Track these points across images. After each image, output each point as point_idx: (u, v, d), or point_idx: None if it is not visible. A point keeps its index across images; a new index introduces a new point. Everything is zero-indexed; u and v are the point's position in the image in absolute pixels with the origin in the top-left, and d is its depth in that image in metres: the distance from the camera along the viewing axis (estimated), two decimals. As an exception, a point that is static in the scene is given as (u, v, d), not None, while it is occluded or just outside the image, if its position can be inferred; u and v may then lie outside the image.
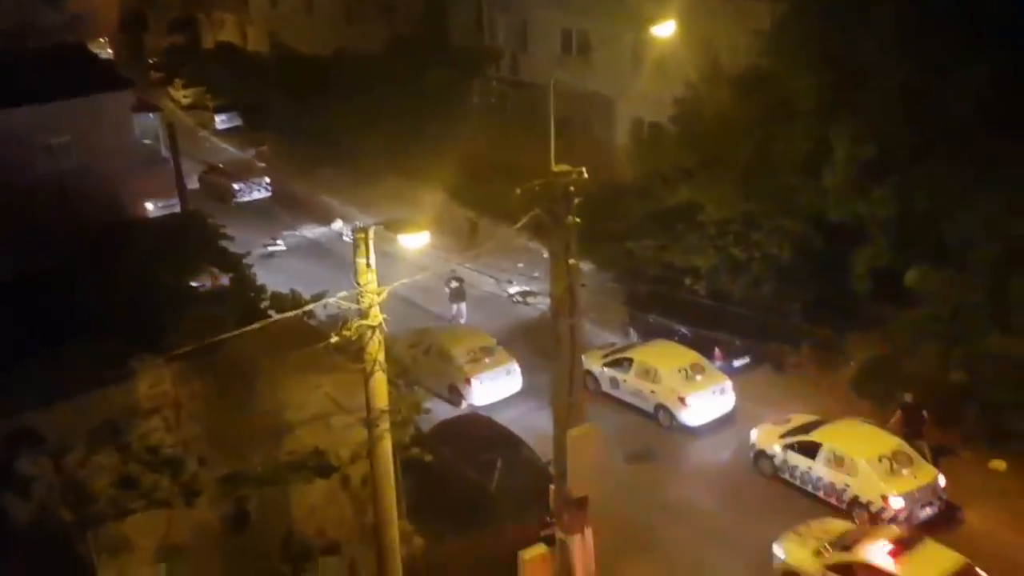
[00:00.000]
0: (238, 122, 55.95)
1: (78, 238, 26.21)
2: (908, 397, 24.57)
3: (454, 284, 32.80)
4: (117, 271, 24.20)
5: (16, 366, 20.17)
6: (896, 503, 22.49)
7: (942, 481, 23.21)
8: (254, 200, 45.23)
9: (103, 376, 19.64)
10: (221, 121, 56.06)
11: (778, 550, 21.66)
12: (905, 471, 23.04)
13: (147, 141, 40.02)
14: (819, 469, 23.76)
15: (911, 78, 26.55)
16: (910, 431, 24.26)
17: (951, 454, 24.73)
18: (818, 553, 20.91)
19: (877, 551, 20.16)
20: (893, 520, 22.54)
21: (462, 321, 32.79)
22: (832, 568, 20.58)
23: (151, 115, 41.57)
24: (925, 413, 24.49)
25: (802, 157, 28.39)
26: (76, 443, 18.17)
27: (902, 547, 20.33)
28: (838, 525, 22.19)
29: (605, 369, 28.55)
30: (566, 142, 27.41)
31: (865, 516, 22.89)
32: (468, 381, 28.21)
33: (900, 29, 26.81)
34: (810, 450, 24.10)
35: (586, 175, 19.20)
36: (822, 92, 27.91)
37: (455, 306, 33.01)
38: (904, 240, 27.34)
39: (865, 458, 23.11)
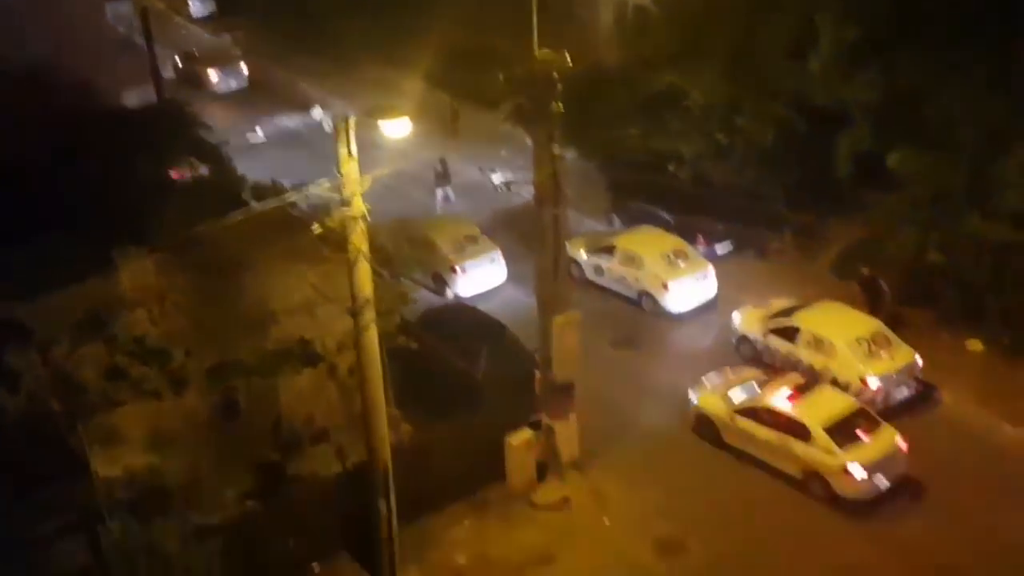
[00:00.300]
0: (213, 8, 54.59)
1: (52, 129, 25.74)
2: (865, 271, 24.77)
3: (439, 168, 32.70)
4: (94, 162, 23.88)
5: (-1, 255, 20.15)
6: (873, 384, 22.90)
7: (919, 362, 23.59)
8: (232, 89, 44.45)
9: (86, 269, 19.62)
10: (196, 7, 54.68)
11: (692, 395, 23.25)
12: (883, 353, 23.40)
13: (120, 29, 39.14)
14: (799, 352, 24.11)
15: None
16: (870, 305, 24.53)
17: (928, 335, 25.09)
18: (726, 398, 22.48)
19: (778, 395, 21.80)
20: (871, 401, 22.99)
21: (451, 200, 32.77)
22: (739, 411, 22.13)
23: (124, 1, 40.55)
24: (884, 285, 24.69)
25: (787, 41, 28.01)
26: (62, 336, 18.23)
27: (800, 392, 21.96)
28: (750, 373, 23.67)
29: (589, 256, 28.66)
30: (549, 27, 26.86)
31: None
32: (453, 270, 28.30)
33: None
34: (790, 334, 24.41)
35: (570, 61, 18.95)
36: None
37: (440, 190, 32.96)
38: (887, 124, 27.22)
39: (843, 341, 23.45)
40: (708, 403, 22.90)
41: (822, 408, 21.53)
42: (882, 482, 20.86)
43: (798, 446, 21.15)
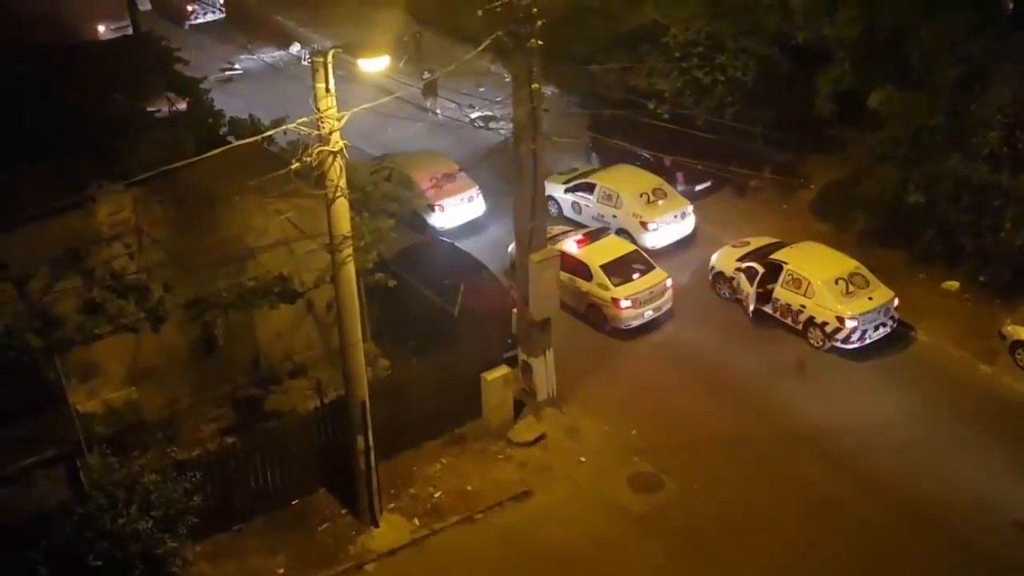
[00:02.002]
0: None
1: (26, 61, 25.34)
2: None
3: (426, 75, 32.66)
4: (69, 96, 23.56)
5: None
6: (850, 324, 23.11)
7: (896, 302, 23.79)
8: (208, 22, 43.77)
9: (62, 202, 19.46)
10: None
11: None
12: (861, 292, 23.58)
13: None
14: (776, 291, 24.25)
15: None
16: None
17: (905, 275, 25.26)
18: None
19: (569, 243, 24.91)
20: (847, 340, 23.21)
21: (438, 113, 33.02)
22: None
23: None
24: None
25: (769, -24, 27.81)
26: (38, 270, 18.13)
27: (587, 239, 25.41)
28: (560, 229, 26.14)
29: (567, 194, 28.63)
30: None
31: (819, 335, 23.57)
32: (431, 207, 28.22)
33: None
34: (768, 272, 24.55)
35: (549, -5, 18.77)
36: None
37: (429, 99, 33.34)
38: (868, 62, 27.12)
39: (821, 280, 23.60)
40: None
41: (603, 251, 24.86)
42: (648, 314, 24.39)
43: (583, 284, 24.06)
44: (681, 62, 28.26)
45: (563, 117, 29.73)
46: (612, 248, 25.29)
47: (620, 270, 24.60)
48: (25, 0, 31.51)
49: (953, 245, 25.00)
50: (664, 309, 24.87)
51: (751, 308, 24.41)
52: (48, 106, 22.98)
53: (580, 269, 24.51)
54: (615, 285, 24.36)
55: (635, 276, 24.61)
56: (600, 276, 24.50)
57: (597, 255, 24.88)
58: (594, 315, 24.73)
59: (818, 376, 23.16)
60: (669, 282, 24.88)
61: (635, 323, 24.50)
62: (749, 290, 24.39)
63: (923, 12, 25.57)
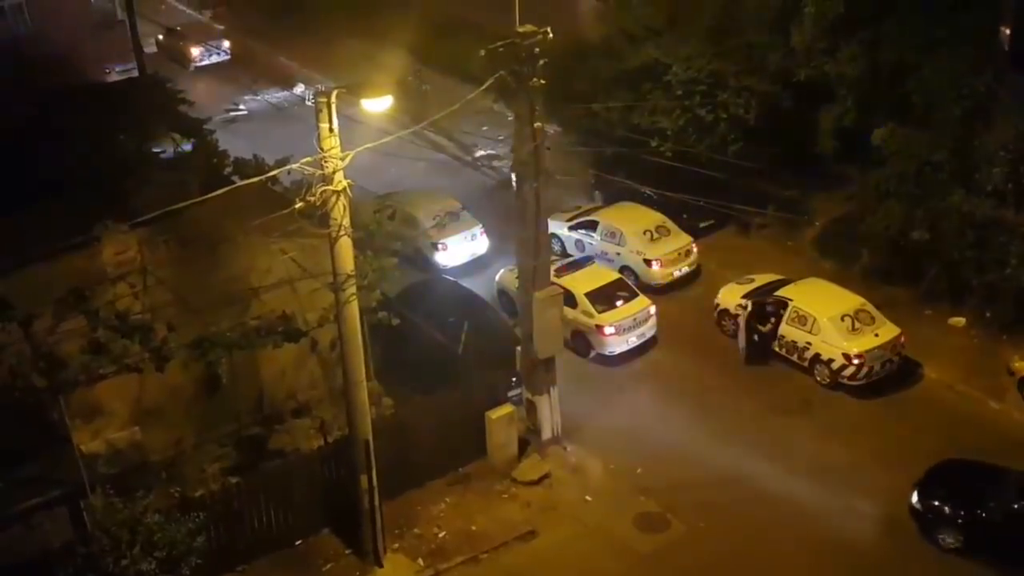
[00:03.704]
0: (195, -17, 54.05)
1: (35, 103, 25.57)
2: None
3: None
4: (76, 137, 23.74)
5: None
6: (856, 361, 23.00)
7: (903, 339, 23.68)
8: (213, 64, 44.14)
9: (67, 243, 19.53)
10: (177, -18, 54.14)
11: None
12: (867, 329, 23.50)
13: (102, 4, 38.79)
14: (782, 328, 24.19)
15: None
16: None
17: (911, 312, 25.18)
18: None
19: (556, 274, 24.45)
20: (853, 378, 23.11)
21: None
22: None
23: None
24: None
25: (770, 15, 27.98)
26: (44, 310, 18.15)
27: (568, 268, 25.81)
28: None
29: (570, 232, 28.67)
30: (532, 2, 26.76)
31: (825, 372, 23.48)
32: (434, 245, 28.27)
33: None
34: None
35: (551, 36, 18.90)
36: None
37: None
38: (871, 99, 27.25)
39: (827, 316, 23.54)
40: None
41: (587, 279, 25.28)
42: (632, 340, 24.60)
43: (568, 311, 23.38)
44: (683, 100, 28.39)
45: (565, 155, 29.85)
46: (596, 276, 25.66)
47: (604, 297, 24.98)
48: (34, 43, 31.85)
49: (959, 281, 24.95)
50: (648, 336, 25.21)
51: (742, 347, 24.37)
52: (55, 147, 23.16)
53: (565, 297, 24.43)
54: (599, 312, 24.65)
55: (619, 303, 24.97)
56: (584, 303, 24.80)
57: (582, 283, 25.19)
58: (579, 342, 24.88)
59: (824, 413, 23.04)
60: (653, 309, 25.29)
61: (619, 349, 24.77)
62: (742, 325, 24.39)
63: (924, 49, 25.71)
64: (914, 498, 19.87)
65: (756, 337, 24.25)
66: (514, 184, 20.74)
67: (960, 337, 24.94)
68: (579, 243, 28.50)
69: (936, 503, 19.63)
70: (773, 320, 24.21)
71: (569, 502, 20.93)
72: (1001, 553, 18.98)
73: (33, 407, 17.90)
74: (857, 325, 23.50)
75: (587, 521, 20.48)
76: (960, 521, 19.28)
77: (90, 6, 36.51)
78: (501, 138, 32.42)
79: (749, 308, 24.35)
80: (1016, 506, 19.06)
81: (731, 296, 25.54)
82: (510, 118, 22.20)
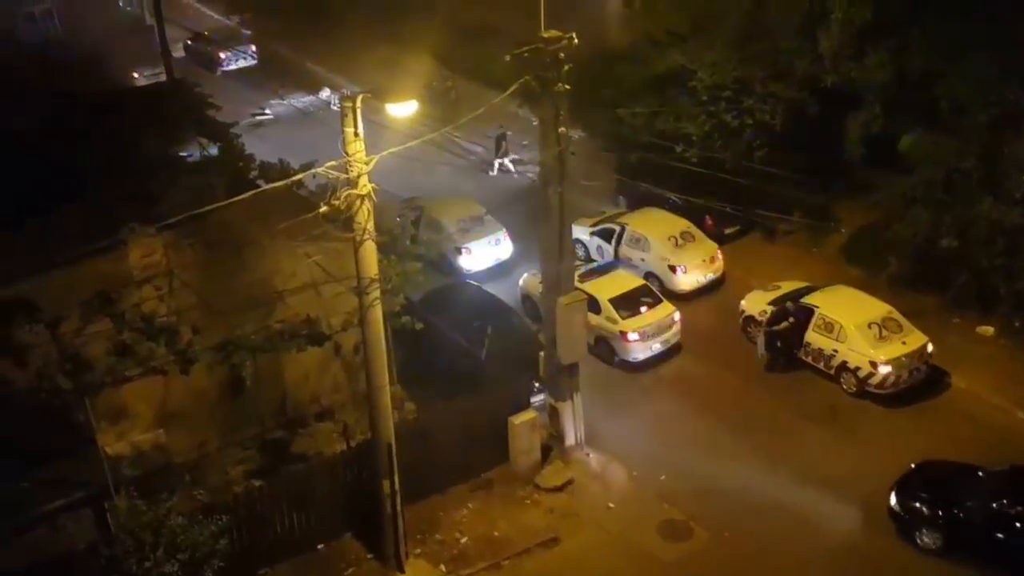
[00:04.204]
0: (223, -13, 54.41)
1: (64, 106, 25.78)
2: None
3: (499, 136, 33.06)
4: (104, 140, 23.91)
5: (4, 233, 20.13)
6: (884, 369, 22.81)
7: (930, 347, 23.46)
8: (240, 68, 44.39)
9: (95, 245, 19.65)
10: (205, -13, 54.51)
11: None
12: (894, 337, 23.29)
13: (130, 9, 39.09)
14: (808, 335, 24.01)
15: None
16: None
17: (939, 320, 24.94)
18: None
19: (582, 278, 24.40)
20: (880, 386, 22.91)
21: (510, 171, 33.48)
22: None
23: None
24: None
25: (797, 21, 27.81)
26: (71, 312, 18.27)
27: (593, 273, 25.68)
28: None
29: (595, 237, 28.60)
30: (557, 7, 26.75)
31: (852, 380, 23.28)
32: (458, 250, 28.27)
33: None
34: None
35: (576, 41, 18.86)
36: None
37: (497, 161, 33.66)
38: (898, 105, 27.04)
39: (854, 324, 23.34)
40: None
41: (611, 285, 25.02)
42: (656, 347, 24.52)
43: (592, 317, 23.08)
44: (709, 106, 28.30)
45: (590, 160, 29.80)
46: (621, 282, 25.53)
47: (628, 303, 24.84)
48: (64, 48, 32.15)
49: (987, 290, 24.71)
50: (672, 342, 25.05)
51: (761, 353, 24.21)
52: (82, 150, 23.32)
53: (589, 303, 24.38)
54: (623, 318, 24.52)
55: (643, 309, 24.84)
56: (608, 310, 24.69)
57: (606, 288, 25.06)
58: (603, 348, 24.74)
59: (850, 422, 22.84)
60: (677, 315, 25.11)
61: (643, 356, 24.66)
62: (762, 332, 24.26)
63: (952, 56, 25.49)
64: (892, 499, 19.81)
65: (779, 343, 24.07)
66: (538, 189, 20.68)
67: (988, 346, 24.69)
68: (602, 248, 28.42)
69: (915, 504, 19.54)
70: (790, 320, 23.97)
71: (592, 509, 20.84)
72: (980, 553, 18.87)
73: (59, 408, 18.02)
74: (884, 333, 23.30)
75: (610, 528, 20.38)
76: (939, 521, 19.19)
77: (119, 12, 36.77)
78: (525, 143, 32.44)
79: (768, 314, 24.21)
80: (995, 505, 18.91)
81: (756, 303, 25.39)
82: (535, 123, 22.14)
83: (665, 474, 21.53)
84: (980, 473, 19.79)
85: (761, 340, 24.23)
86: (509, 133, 33.26)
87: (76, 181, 21.80)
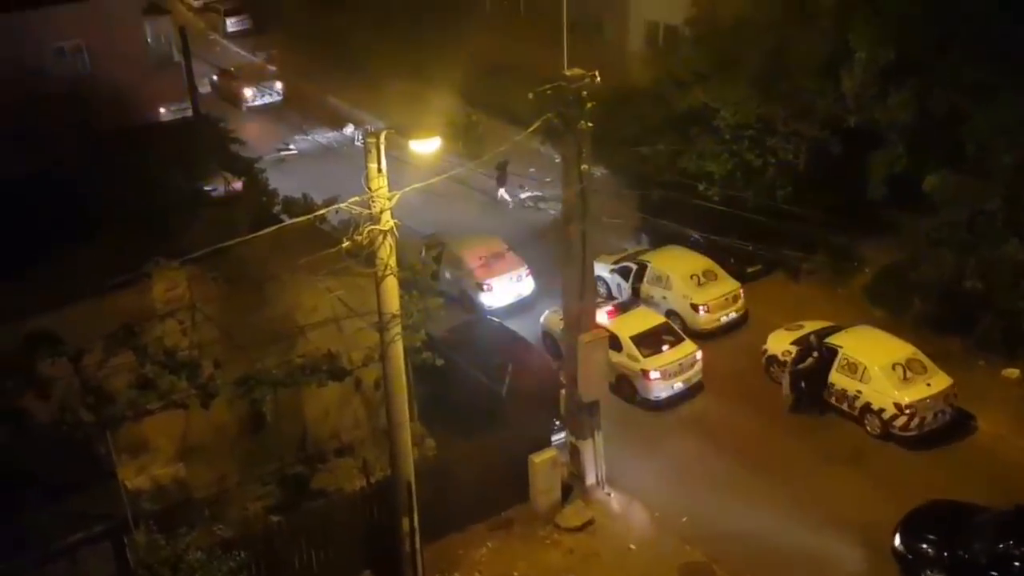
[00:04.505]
0: (249, 25, 55.20)
1: (91, 141, 26.07)
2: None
3: (499, 168, 33.35)
4: (130, 174, 24.14)
5: (30, 267, 20.27)
6: (908, 411, 22.56)
7: (955, 389, 23.20)
8: (266, 104, 44.87)
9: (118, 279, 19.75)
10: (232, 24, 55.32)
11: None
12: (918, 379, 23.07)
13: (158, 45, 39.47)
14: (831, 375, 23.82)
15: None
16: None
17: (964, 362, 24.70)
18: None
19: (600, 314, 23.68)
20: (905, 428, 22.67)
21: (507, 201, 34.11)
22: None
23: (162, 18, 40.93)
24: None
25: (820, 60, 27.84)
26: (94, 345, 18.35)
27: (617, 310, 25.68)
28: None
29: (616, 275, 28.55)
30: (580, 45, 26.95)
31: (876, 422, 23.05)
32: (480, 286, 28.29)
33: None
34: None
35: (599, 79, 18.94)
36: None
37: (500, 191, 34.02)
38: (922, 145, 26.96)
39: (878, 365, 23.14)
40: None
41: (633, 323, 24.93)
42: (677, 386, 24.36)
43: (613, 355, 23.26)
44: (731, 144, 28.32)
45: (612, 198, 29.81)
46: (642, 320, 25.41)
47: (650, 342, 24.73)
48: (92, 83, 32.50)
49: (1013, 332, 24.47)
50: (694, 381, 24.87)
51: (785, 394, 23.99)
52: (109, 185, 23.53)
53: (610, 340, 24.29)
54: (645, 357, 24.40)
55: (665, 348, 24.69)
56: (630, 347, 24.59)
57: (627, 326, 24.95)
58: (624, 386, 24.63)
59: (875, 465, 22.58)
60: (699, 354, 24.94)
61: (664, 395, 24.51)
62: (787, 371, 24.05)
63: (977, 96, 25.44)
64: (897, 540, 19.52)
65: (803, 383, 23.88)
66: (560, 226, 20.69)
67: (1014, 388, 24.41)
68: (619, 286, 28.36)
69: (920, 544, 19.24)
70: (814, 355, 23.74)
71: (613, 550, 20.62)
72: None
73: (80, 441, 18.05)
74: (909, 374, 23.08)
75: (631, 570, 20.15)
76: (944, 562, 18.86)
77: (147, 48, 37.17)
78: (548, 180, 32.53)
79: (792, 354, 24.04)
80: (1001, 546, 18.57)
81: (780, 343, 25.22)
82: (557, 160, 22.18)
83: (687, 515, 21.31)
84: (986, 513, 19.48)
85: (786, 381, 24.04)
86: (508, 164, 33.39)
87: (102, 215, 21.97)
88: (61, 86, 31.93)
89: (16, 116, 28.97)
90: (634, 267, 28.24)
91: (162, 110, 37.01)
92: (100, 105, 30.97)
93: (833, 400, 23.87)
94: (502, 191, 34.24)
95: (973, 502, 19.92)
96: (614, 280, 28.56)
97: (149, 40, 37.71)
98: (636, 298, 27.38)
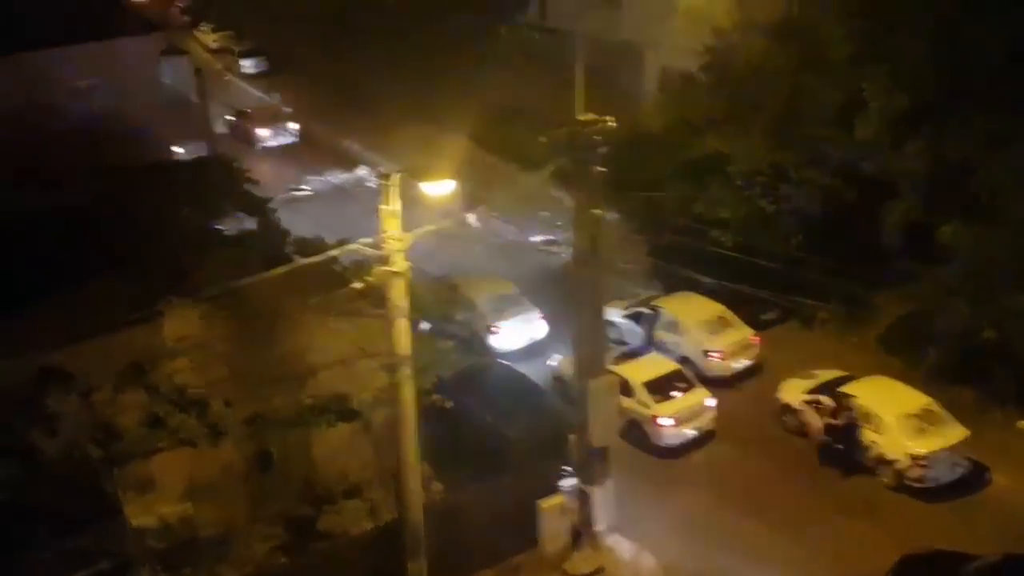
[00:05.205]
0: (264, 67, 55.68)
1: (105, 179, 26.22)
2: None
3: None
4: (144, 212, 24.23)
5: (43, 302, 20.29)
6: (923, 462, 22.31)
7: (970, 441, 22.94)
8: (280, 145, 45.12)
9: (130, 316, 19.76)
10: (247, 66, 55.78)
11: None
12: (933, 430, 22.82)
13: (174, 84, 39.86)
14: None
15: (944, 20, 25.98)
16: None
17: (979, 414, 24.45)
18: None
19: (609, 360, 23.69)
20: (920, 480, 22.40)
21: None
22: None
23: (180, 59, 41.37)
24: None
25: (834, 108, 27.91)
26: (104, 382, 18.31)
27: (627, 356, 25.65)
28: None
29: (627, 320, 28.44)
30: (593, 91, 27.03)
31: (890, 473, 22.78)
32: (490, 329, 28.19)
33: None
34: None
35: (613, 124, 18.98)
36: (855, 40, 27.36)
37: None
38: (937, 194, 26.90)
39: (892, 415, 22.92)
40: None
41: (644, 369, 24.84)
42: (689, 432, 24.10)
43: (624, 400, 23.14)
44: (744, 191, 28.31)
45: (624, 243, 29.83)
46: (654, 365, 25.30)
47: (662, 388, 24.59)
48: (108, 122, 32.79)
49: (1028, 383, 24.27)
50: (706, 429, 24.64)
51: (819, 441, 23.68)
52: (122, 223, 23.61)
53: (621, 386, 24.05)
54: (656, 403, 24.24)
55: (676, 394, 24.53)
56: (641, 393, 24.42)
57: (639, 372, 24.83)
58: (635, 433, 24.41)
59: (888, 517, 22.28)
60: (711, 401, 24.77)
61: (676, 442, 24.30)
62: (818, 424, 23.71)
63: (991, 146, 25.44)
64: None
65: (840, 444, 23.33)
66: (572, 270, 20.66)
67: (1030, 441, 24.18)
68: (631, 331, 28.24)
69: None
70: (849, 412, 23.35)
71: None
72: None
73: (88, 478, 17.95)
74: (923, 425, 22.85)
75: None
76: None
77: (163, 87, 37.56)
78: (560, 224, 32.55)
79: (822, 404, 23.56)
80: None
81: (793, 391, 25.03)
82: (569, 204, 22.19)
83: (696, 564, 21.02)
84: (975, 561, 19.08)
85: (814, 424, 23.61)
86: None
87: (115, 252, 22.02)
88: (77, 124, 32.22)
89: (32, 153, 29.20)
90: (647, 312, 28.12)
91: (177, 149, 37.27)
92: (115, 143, 31.21)
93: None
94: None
95: (960, 551, 19.54)
96: (626, 325, 28.44)
97: (166, 80, 38.13)
98: (648, 344, 27.23)
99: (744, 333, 27.36)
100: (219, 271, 20.08)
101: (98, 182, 25.97)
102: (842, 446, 23.40)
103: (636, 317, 28.28)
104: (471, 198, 26.60)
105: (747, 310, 28.14)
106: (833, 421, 23.49)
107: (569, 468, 22.02)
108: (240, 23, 57.67)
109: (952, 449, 22.65)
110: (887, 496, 22.77)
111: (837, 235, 28.05)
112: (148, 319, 19.84)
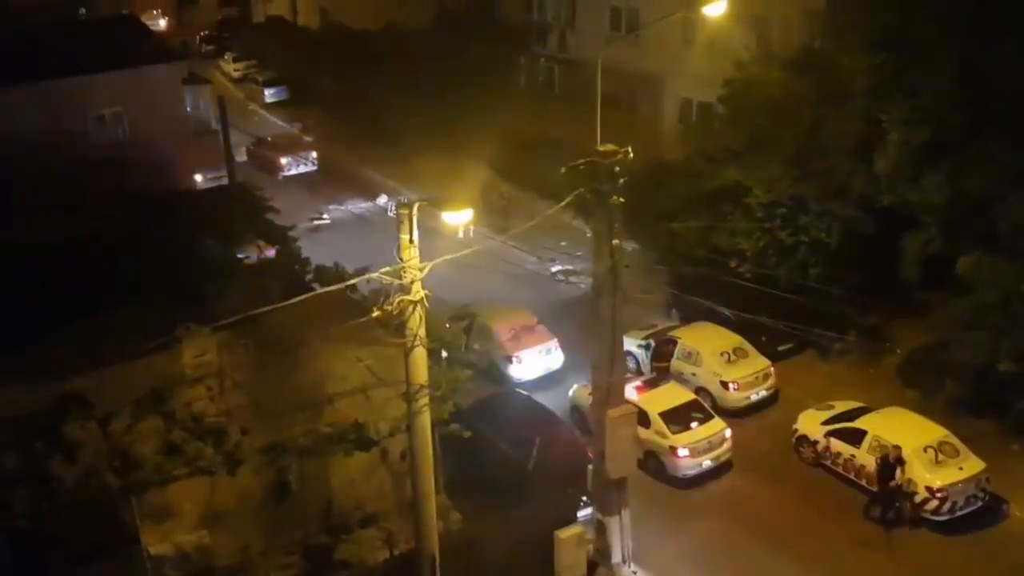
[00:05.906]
0: (286, 96, 56.22)
1: (127, 207, 26.46)
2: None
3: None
4: (165, 240, 24.43)
5: (63, 330, 20.43)
6: (940, 495, 22.16)
7: (988, 474, 22.78)
8: (301, 174, 45.45)
9: (149, 344, 19.87)
10: (270, 95, 56.36)
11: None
12: (951, 462, 22.68)
13: (196, 112, 40.24)
14: (862, 457, 23.47)
15: (965, 54, 25.99)
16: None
17: (998, 446, 24.28)
18: None
19: (629, 389, 23.22)
20: (936, 512, 22.23)
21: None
22: None
23: (202, 87, 41.80)
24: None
25: (853, 140, 27.90)
26: (122, 409, 18.40)
27: (647, 386, 25.56)
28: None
29: (646, 350, 28.40)
30: (613, 121, 27.21)
31: (908, 506, 22.61)
32: (509, 358, 28.21)
33: (953, 4, 26.27)
34: (854, 437, 23.82)
35: (632, 155, 19.06)
36: (875, 73, 27.41)
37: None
38: (956, 226, 26.82)
39: (910, 448, 22.77)
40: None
41: (662, 399, 24.73)
42: (706, 464, 24.10)
43: (641, 431, 23.20)
44: (763, 222, 28.29)
45: (643, 273, 29.82)
46: (672, 396, 25.26)
47: (679, 418, 24.55)
48: (131, 150, 33.12)
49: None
50: (723, 459, 24.59)
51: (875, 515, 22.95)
52: (144, 250, 23.81)
53: (639, 416, 23.99)
54: (673, 433, 24.20)
55: (694, 425, 24.47)
56: (659, 424, 24.42)
57: (656, 402, 24.77)
58: (652, 463, 24.38)
59: (905, 549, 22.11)
60: (728, 432, 24.71)
61: (692, 472, 24.23)
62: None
63: (1011, 178, 25.37)
64: None
65: (896, 505, 22.67)
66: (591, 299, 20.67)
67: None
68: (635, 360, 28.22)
69: None
70: (901, 467, 22.45)
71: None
72: None
73: (105, 506, 17.99)
74: (941, 457, 22.71)
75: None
76: None
77: (186, 116, 37.91)
78: (579, 254, 32.60)
79: (880, 454, 22.81)
80: None
81: (810, 423, 24.94)
82: (588, 234, 22.24)
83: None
84: None
85: (876, 496, 23.01)
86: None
87: (136, 279, 22.18)
88: (100, 152, 32.57)
89: (55, 181, 29.50)
90: (663, 342, 28.09)
91: (198, 177, 37.60)
92: (137, 171, 31.51)
93: (864, 482, 23.48)
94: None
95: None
96: (644, 355, 28.41)
97: (188, 108, 38.49)
98: (666, 374, 27.19)
99: (761, 364, 27.29)
100: (238, 299, 20.17)
101: (121, 210, 26.19)
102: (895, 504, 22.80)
103: (647, 347, 28.29)
104: (489, 226, 26.83)
105: (765, 340, 28.09)
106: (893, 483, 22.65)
107: (586, 498, 21.98)
108: (263, 53, 58.40)
109: (969, 481, 22.47)
110: (904, 529, 22.56)
111: (856, 266, 27.98)
112: (167, 347, 19.95)
